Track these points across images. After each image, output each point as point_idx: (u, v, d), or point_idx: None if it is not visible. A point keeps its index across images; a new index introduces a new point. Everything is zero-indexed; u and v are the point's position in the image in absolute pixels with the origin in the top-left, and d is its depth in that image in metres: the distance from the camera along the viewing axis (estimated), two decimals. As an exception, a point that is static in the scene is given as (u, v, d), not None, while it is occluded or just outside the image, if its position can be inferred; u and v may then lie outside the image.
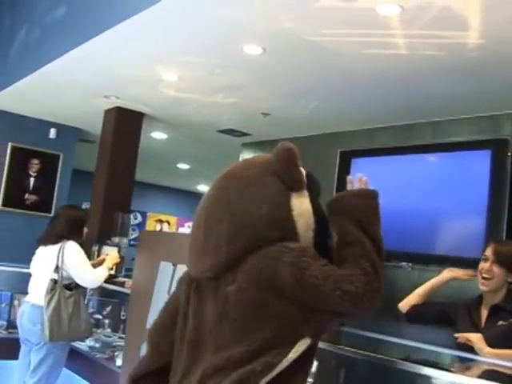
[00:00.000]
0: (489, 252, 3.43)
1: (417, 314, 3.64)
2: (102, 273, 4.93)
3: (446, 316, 3.58)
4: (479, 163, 5.00)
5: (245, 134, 7.14)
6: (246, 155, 7.62)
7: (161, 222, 13.86)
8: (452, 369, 2.74)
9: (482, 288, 3.42)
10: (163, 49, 4.64)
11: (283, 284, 1.67)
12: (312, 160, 6.56)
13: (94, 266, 5.06)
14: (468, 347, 3.12)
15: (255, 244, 1.74)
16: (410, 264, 5.32)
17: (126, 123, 6.74)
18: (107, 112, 6.86)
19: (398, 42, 3.80)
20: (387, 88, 4.87)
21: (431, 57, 4.03)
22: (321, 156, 6.33)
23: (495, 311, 3.37)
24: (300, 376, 1.75)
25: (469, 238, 4.77)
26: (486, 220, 4.85)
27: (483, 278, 3.39)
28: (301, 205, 1.81)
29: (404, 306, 3.69)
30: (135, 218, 13.55)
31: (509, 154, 4.81)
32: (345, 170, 5.98)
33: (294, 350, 1.67)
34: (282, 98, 5.55)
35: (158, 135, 7.93)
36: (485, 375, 2.74)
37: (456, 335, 3.19)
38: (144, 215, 13.76)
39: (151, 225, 13.73)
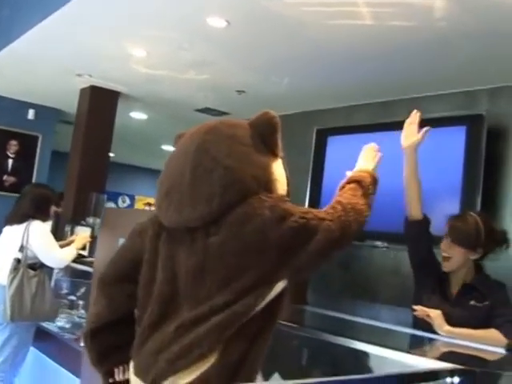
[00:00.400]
0: (447, 229, 3.29)
1: (419, 234, 3.40)
2: (70, 252, 4.81)
3: (432, 265, 3.36)
4: (454, 140, 4.85)
5: (223, 113, 7.02)
6: None
7: (149, 205, 13.70)
8: (405, 349, 2.60)
9: (443, 268, 3.28)
10: (128, 22, 4.52)
11: (264, 224, 1.74)
12: (290, 138, 6.50)
13: (63, 246, 4.94)
14: (425, 322, 3.00)
15: (243, 198, 1.79)
16: (386, 244, 5.18)
17: (100, 102, 6.63)
18: (82, 91, 6.74)
19: (362, 11, 3.65)
20: (360, 63, 4.74)
21: (399, 28, 3.89)
22: (299, 134, 6.26)
23: (467, 290, 3.22)
24: (269, 324, 1.81)
25: (443, 216, 4.60)
26: (461, 198, 4.71)
27: (443, 258, 3.25)
28: (279, 170, 1.92)
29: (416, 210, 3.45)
30: (124, 202, 13.47)
31: (484, 129, 4.65)
32: (321, 148, 5.90)
33: (272, 293, 1.75)
34: (254, 74, 5.42)
35: (138, 115, 7.82)
36: (440, 355, 2.62)
37: (415, 307, 3.03)
38: (132, 198, 13.67)
39: (140, 208, 13.63)
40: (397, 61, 4.58)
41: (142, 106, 7.27)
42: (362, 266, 5.40)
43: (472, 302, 3.15)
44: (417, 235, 3.38)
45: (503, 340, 2.87)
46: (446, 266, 3.24)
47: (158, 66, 5.52)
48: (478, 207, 4.56)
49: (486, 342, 2.80)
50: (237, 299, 1.70)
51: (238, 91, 5.96)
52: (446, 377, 1.95)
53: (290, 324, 2.64)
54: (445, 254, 3.23)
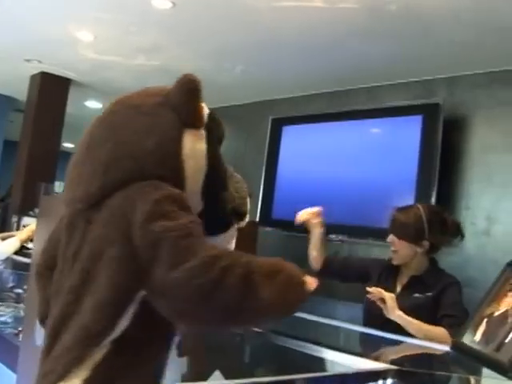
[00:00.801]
0: (389, 222, 3.12)
1: (332, 269, 3.32)
2: (10, 244, 4.56)
3: (365, 273, 3.25)
4: (410, 129, 4.71)
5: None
6: None
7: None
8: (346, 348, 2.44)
9: (392, 261, 3.12)
10: (73, 4, 4.32)
11: (134, 221, 1.35)
12: (247, 129, 6.40)
13: (5, 238, 4.70)
14: (377, 307, 2.84)
15: (131, 179, 1.44)
16: (340, 237, 5.03)
17: (51, 89, 6.39)
18: (32, 78, 6.50)
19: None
20: (313, 49, 4.59)
21: (349, 11, 3.72)
22: (255, 124, 6.20)
23: (414, 283, 3.07)
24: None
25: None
26: (416, 190, 4.56)
27: (392, 251, 3.09)
28: (194, 144, 1.52)
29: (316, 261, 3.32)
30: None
31: (440, 119, 4.51)
32: (276, 138, 5.79)
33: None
34: (206, 61, 5.24)
35: (92, 104, 7.58)
36: (381, 355, 2.46)
37: (369, 289, 2.84)
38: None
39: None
40: (351, 47, 4.43)
41: (96, 94, 7.03)
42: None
43: (415, 295, 3.01)
44: (334, 276, 3.37)
45: (448, 339, 2.73)
46: (395, 259, 3.09)
47: (106, 51, 5.31)
48: (433, 200, 4.42)
49: (431, 338, 2.67)
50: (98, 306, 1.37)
51: (191, 79, 5.71)
52: (380, 378, 1.80)
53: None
54: (392, 248, 3.08)
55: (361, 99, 5.29)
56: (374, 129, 5.04)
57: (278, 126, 5.82)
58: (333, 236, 5.04)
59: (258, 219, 5.78)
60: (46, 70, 6.26)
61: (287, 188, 5.67)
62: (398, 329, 2.74)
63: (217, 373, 2.27)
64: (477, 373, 2.01)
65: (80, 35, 4.94)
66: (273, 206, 5.72)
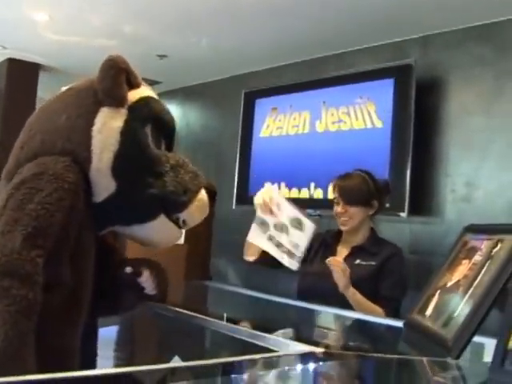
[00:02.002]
0: (335, 193, 3.00)
1: (268, 258, 3.01)
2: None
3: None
4: (382, 94, 4.45)
5: (155, 82, 6.56)
6: None
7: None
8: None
9: (342, 228, 2.99)
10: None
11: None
12: (222, 105, 6.18)
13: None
14: (329, 279, 2.70)
15: (40, 152, 1.48)
16: (318, 212, 4.78)
17: (19, 76, 6.20)
18: (0, 65, 6.26)
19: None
20: (278, 16, 4.34)
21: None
22: (230, 100, 6.01)
23: (356, 252, 2.95)
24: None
25: None
26: (390, 158, 4.30)
27: (341, 222, 2.96)
28: (107, 121, 1.50)
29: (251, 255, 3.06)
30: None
31: (413, 81, 4.23)
32: (249, 111, 5.61)
33: None
34: (170, 35, 5.02)
35: (70, 89, 7.31)
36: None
37: (329, 259, 2.70)
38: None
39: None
40: (318, 13, 4.20)
41: (71, 79, 6.68)
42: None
43: (357, 261, 2.89)
44: (269, 265, 2.96)
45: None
46: (345, 225, 2.96)
47: (65, 32, 5.08)
48: (409, 167, 4.17)
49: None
50: None
51: (159, 56, 5.54)
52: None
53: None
54: (343, 219, 2.94)
55: (332, 66, 5.03)
56: (345, 96, 4.75)
57: (250, 99, 5.61)
58: (310, 211, 4.80)
59: (234, 197, 5.60)
60: (12, 56, 6.06)
61: (263, 164, 5.45)
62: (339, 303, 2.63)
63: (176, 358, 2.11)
64: (427, 353, 1.76)
65: (36, 16, 4.72)
66: (249, 184, 5.50)
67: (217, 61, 5.59)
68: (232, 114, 5.84)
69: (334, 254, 2.97)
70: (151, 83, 6.37)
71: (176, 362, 1.98)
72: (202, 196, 1.58)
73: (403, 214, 4.14)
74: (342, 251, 2.99)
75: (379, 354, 1.71)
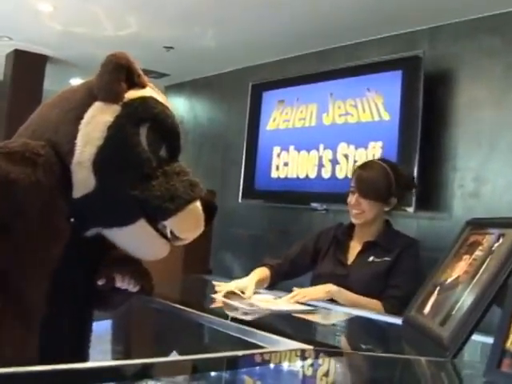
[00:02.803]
0: (353, 181, 2.79)
1: (282, 275, 2.89)
2: None
3: (316, 254, 2.92)
4: (390, 86, 4.35)
5: (163, 75, 6.60)
6: (170, 100, 7.07)
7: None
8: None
9: (354, 221, 2.81)
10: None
11: None
12: (228, 98, 6.10)
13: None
14: (343, 279, 2.65)
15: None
16: (325, 206, 4.71)
17: (26, 67, 6.13)
18: (7, 57, 6.25)
19: None
20: (282, 8, 4.27)
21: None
22: (236, 92, 5.93)
23: (369, 248, 2.78)
24: None
25: None
26: (397, 150, 4.21)
27: (354, 214, 2.78)
28: (96, 114, 1.43)
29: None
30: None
31: (421, 73, 4.13)
32: (256, 103, 5.52)
33: None
34: (176, 26, 4.95)
35: (78, 82, 7.17)
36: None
37: (292, 294, 2.49)
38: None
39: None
40: (326, 4, 4.11)
41: (79, 71, 6.73)
42: (302, 229, 4.93)
43: (371, 259, 2.73)
44: (287, 278, 2.93)
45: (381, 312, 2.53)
46: (359, 218, 2.77)
47: (71, 23, 5.03)
48: (416, 161, 4.07)
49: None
50: None
51: (166, 47, 5.48)
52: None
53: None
54: (355, 211, 2.75)
55: (340, 58, 4.94)
56: (353, 88, 4.66)
57: (258, 92, 5.52)
58: (317, 205, 4.73)
59: (240, 191, 5.53)
60: (19, 48, 6.01)
61: (269, 157, 5.37)
62: None
63: (174, 353, 2.02)
64: (424, 353, 1.69)
65: (40, 6, 4.66)
66: (255, 177, 5.43)
67: (223, 53, 5.52)
68: (239, 106, 5.78)
69: (346, 250, 2.82)
70: (159, 76, 6.40)
71: (162, 357, 1.92)
72: (195, 207, 1.47)
73: (410, 209, 4.04)
74: (355, 246, 2.83)
75: (373, 353, 1.64)
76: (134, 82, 1.47)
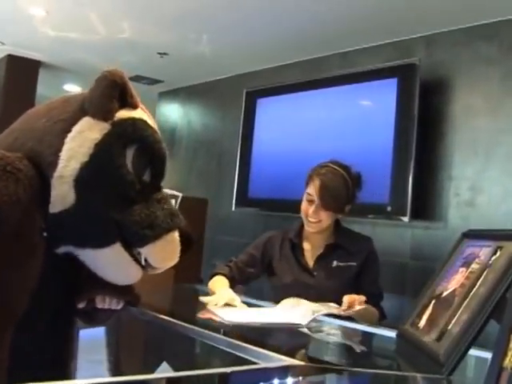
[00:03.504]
0: (312, 190, 2.69)
1: (236, 282, 2.82)
2: None
3: (268, 259, 2.86)
4: (385, 94, 4.30)
5: (156, 81, 6.55)
6: (164, 106, 7.11)
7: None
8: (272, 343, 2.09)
9: (309, 229, 2.74)
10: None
11: None
12: (222, 105, 6.01)
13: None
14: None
15: (9, 149, 1.38)
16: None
17: (19, 73, 6.11)
18: (0, 61, 6.19)
19: None
20: (277, 15, 4.22)
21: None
22: (231, 99, 5.88)
23: (330, 250, 2.74)
24: None
25: (375, 180, 3.94)
26: (392, 158, 4.15)
27: (309, 222, 2.70)
28: (84, 130, 1.39)
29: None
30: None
31: (417, 81, 4.08)
32: (251, 110, 5.43)
33: None
34: (169, 33, 4.90)
35: (71, 88, 7.26)
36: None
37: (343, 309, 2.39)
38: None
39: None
40: (321, 11, 4.05)
41: (73, 77, 6.72)
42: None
43: (335, 263, 2.69)
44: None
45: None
46: (314, 227, 2.70)
47: (64, 27, 4.97)
48: (411, 170, 4.02)
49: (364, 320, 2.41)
50: None
51: (160, 54, 5.43)
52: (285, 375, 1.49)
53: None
54: (311, 219, 2.68)
55: (335, 65, 4.89)
56: (347, 96, 4.61)
57: (252, 99, 5.45)
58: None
59: (234, 199, 5.46)
60: (12, 53, 5.97)
61: (263, 165, 5.30)
62: None
63: (164, 364, 2.01)
64: (419, 369, 1.64)
65: (32, 11, 4.61)
66: (249, 185, 5.36)
67: (218, 59, 5.46)
68: (234, 113, 5.72)
69: (302, 253, 2.77)
70: (152, 82, 6.36)
71: (150, 373, 1.87)
72: (173, 238, 1.43)
73: (405, 219, 3.99)
74: (312, 249, 2.77)
75: (366, 369, 1.59)
76: (127, 101, 1.43)
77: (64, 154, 1.33)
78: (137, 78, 6.34)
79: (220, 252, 5.35)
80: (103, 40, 5.17)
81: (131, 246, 1.40)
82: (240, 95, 5.56)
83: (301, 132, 4.93)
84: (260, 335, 2.05)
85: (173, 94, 6.84)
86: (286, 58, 5.22)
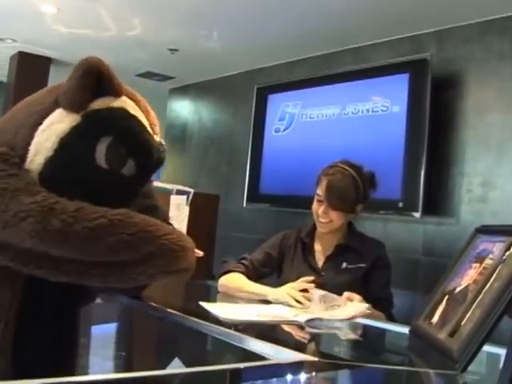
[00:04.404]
0: (321, 190, 2.65)
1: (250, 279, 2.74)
2: None
3: (281, 259, 2.81)
4: (397, 89, 4.26)
5: (167, 78, 6.49)
6: (175, 103, 6.98)
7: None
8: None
9: (320, 229, 2.70)
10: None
11: None
12: (233, 102, 5.86)
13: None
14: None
15: None
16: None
17: (30, 70, 6.01)
18: (11, 59, 6.17)
19: None
20: (287, 10, 4.18)
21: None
22: (242, 95, 5.80)
23: (339, 251, 2.69)
24: None
25: (387, 176, 3.74)
26: (404, 154, 4.12)
27: (320, 222, 2.66)
28: (54, 122, 1.31)
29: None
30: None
31: (429, 76, 4.04)
32: (262, 107, 5.37)
33: None
34: (179, 28, 4.87)
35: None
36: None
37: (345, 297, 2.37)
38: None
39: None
40: (333, 6, 4.03)
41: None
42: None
43: (344, 265, 2.64)
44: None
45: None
46: (326, 228, 2.66)
47: (75, 25, 4.96)
48: (423, 166, 3.98)
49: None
50: None
51: (171, 50, 5.39)
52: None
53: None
54: (322, 220, 2.64)
55: (347, 61, 4.85)
56: (359, 91, 4.57)
57: (263, 95, 5.38)
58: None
59: (245, 195, 5.39)
60: (23, 50, 5.92)
61: (274, 161, 5.23)
62: None
63: (176, 360, 1.98)
64: (432, 365, 1.61)
65: (44, 8, 4.60)
66: (260, 182, 5.29)
67: (228, 55, 5.42)
68: (245, 109, 5.65)
69: (312, 254, 2.73)
70: (164, 78, 6.31)
71: (161, 369, 1.86)
72: None
73: (417, 215, 3.96)
74: (322, 250, 2.72)
75: (379, 365, 1.56)
76: (105, 89, 1.34)
77: (32, 147, 1.28)
78: (148, 75, 6.32)
79: (231, 248, 5.23)
80: (114, 37, 5.15)
81: None
82: (251, 91, 5.50)
83: (312, 128, 4.88)
84: (269, 330, 2.02)
85: (183, 90, 6.77)
86: (298, 53, 5.18)
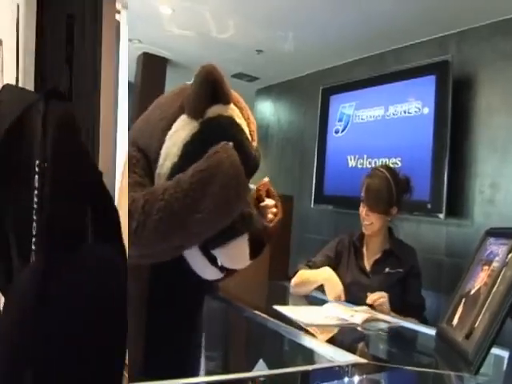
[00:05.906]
0: (363, 193, 2.40)
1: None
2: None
3: (339, 260, 2.52)
4: (427, 91, 3.71)
5: (255, 78, 5.84)
6: (260, 103, 6.12)
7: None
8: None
9: (365, 231, 2.44)
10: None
11: None
12: (304, 100, 5.16)
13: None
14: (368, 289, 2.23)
15: (135, 138, 1.26)
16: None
17: (150, 71, 5.44)
18: (138, 59, 5.59)
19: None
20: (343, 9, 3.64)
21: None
22: (311, 96, 5.08)
23: (386, 256, 2.41)
24: None
25: (418, 177, 3.27)
26: (432, 156, 3.64)
27: (364, 225, 2.41)
28: (179, 129, 1.20)
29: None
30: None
31: (450, 78, 3.45)
32: (325, 107, 4.74)
33: None
34: (263, 30, 4.33)
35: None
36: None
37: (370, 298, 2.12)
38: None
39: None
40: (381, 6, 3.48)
41: (192, 74, 6.23)
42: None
43: (387, 270, 2.36)
44: None
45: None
46: (368, 229, 2.41)
47: (185, 25, 4.48)
48: (446, 167, 3.53)
49: None
50: None
51: (257, 51, 4.84)
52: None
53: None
54: (365, 222, 2.39)
55: (391, 62, 4.22)
56: (398, 93, 3.99)
57: (326, 95, 4.77)
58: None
59: (313, 196, 4.70)
60: (147, 51, 5.40)
61: (336, 162, 4.48)
62: None
63: (261, 362, 1.72)
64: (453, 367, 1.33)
65: (162, 9, 4.18)
66: (324, 182, 4.61)
67: (301, 56, 4.79)
68: (313, 110, 4.95)
69: (361, 258, 2.46)
70: (252, 79, 5.77)
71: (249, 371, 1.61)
72: (240, 243, 1.21)
73: (441, 216, 3.49)
74: (370, 254, 2.43)
75: (408, 367, 1.30)
76: (219, 97, 1.21)
77: (163, 152, 1.17)
78: (239, 76, 5.68)
79: (304, 249, 4.58)
80: (213, 38, 4.65)
81: (206, 247, 1.20)
82: (318, 92, 4.88)
83: (364, 129, 4.31)
84: (328, 332, 1.73)
85: (267, 91, 5.97)
86: (355, 53, 4.57)
